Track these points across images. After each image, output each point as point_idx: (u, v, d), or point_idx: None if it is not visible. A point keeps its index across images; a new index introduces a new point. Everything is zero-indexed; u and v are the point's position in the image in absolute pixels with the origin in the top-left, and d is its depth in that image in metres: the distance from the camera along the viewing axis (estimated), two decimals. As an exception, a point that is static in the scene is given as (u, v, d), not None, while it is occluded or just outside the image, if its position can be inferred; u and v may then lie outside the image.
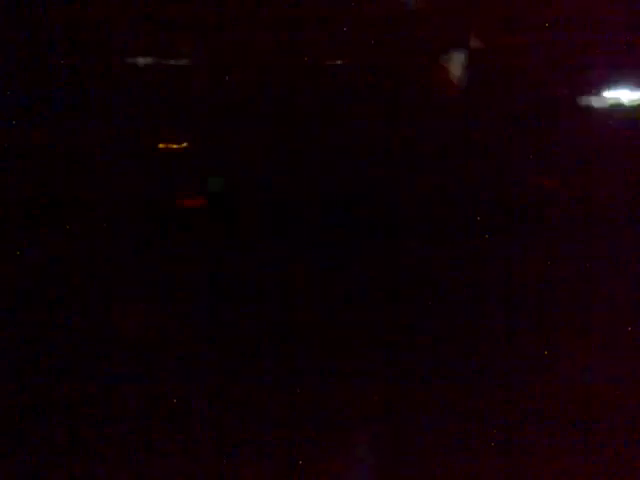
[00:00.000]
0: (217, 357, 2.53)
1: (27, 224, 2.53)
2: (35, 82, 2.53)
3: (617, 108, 2.50)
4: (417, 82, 2.52)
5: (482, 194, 2.50)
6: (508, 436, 2.48)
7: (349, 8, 2.52)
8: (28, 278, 2.53)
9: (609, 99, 2.50)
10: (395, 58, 2.52)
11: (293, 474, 2.49)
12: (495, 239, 2.51)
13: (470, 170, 2.51)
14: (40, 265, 2.53)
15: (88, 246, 2.54)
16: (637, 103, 2.50)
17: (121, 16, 2.54)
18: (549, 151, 2.50)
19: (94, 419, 2.49)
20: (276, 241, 2.53)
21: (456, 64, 2.50)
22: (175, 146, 2.58)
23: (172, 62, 2.58)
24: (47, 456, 2.50)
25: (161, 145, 2.58)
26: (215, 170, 2.58)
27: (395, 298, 2.51)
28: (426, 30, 2.50)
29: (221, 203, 2.56)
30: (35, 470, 2.49)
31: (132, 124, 2.55)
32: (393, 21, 2.51)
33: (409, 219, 2.52)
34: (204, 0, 2.54)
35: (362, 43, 2.52)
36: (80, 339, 2.51)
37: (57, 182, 2.54)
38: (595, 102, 2.51)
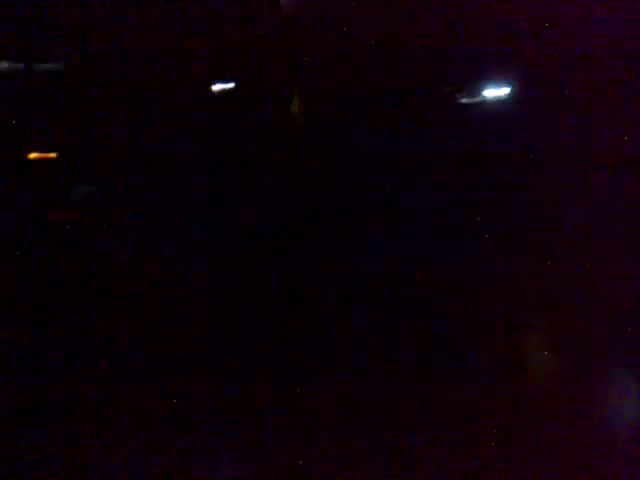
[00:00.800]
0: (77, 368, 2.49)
1: None
2: None
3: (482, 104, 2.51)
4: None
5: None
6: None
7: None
8: None
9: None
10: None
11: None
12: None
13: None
14: None
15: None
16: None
17: None
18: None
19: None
20: (147, 251, 2.51)
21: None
22: (44, 155, 2.51)
23: (39, 67, 2.52)
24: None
25: (31, 155, 2.52)
26: (86, 180, 2.53)
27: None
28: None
29: (91, 213, 2.52)
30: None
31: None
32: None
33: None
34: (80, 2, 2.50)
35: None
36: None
37: None
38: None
